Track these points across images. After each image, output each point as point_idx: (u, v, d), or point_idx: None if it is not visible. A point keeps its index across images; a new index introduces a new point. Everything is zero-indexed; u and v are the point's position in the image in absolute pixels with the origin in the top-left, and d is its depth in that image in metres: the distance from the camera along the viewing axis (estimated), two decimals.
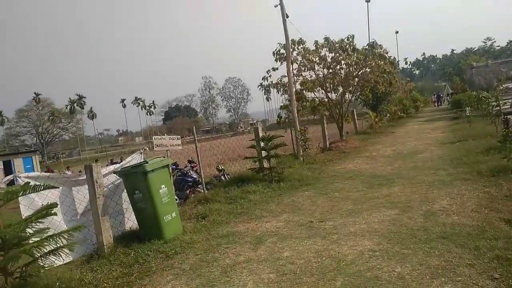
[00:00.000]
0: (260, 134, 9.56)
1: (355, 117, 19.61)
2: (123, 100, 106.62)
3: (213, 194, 7.92)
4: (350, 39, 14.37)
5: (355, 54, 14.25)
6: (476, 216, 4.80)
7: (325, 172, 9.71)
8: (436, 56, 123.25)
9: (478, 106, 17.98)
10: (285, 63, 13.62)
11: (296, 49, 14.86)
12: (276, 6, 12.16)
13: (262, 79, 15.12)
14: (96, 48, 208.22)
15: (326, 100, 15.62)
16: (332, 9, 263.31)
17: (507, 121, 9.86)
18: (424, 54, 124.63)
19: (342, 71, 14.97)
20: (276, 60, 14.73)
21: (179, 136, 7.94)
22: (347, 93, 16.01)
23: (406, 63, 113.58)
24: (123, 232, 5.82)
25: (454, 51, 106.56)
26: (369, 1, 34.05)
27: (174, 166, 11.15)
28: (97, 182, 5.09)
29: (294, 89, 12.79)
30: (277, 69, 14.74)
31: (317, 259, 4.17)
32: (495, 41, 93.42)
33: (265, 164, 9.11)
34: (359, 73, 15.04)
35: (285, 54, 13.54)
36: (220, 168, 11.45)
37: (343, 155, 12.36)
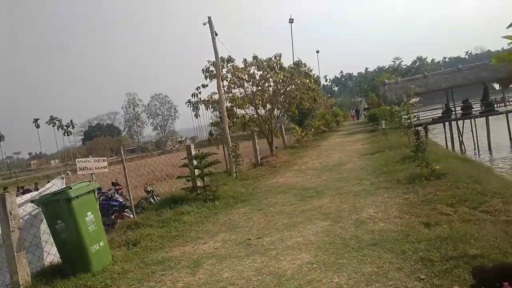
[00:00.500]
0: (193, 152, 9.39)
1: (283, 132, 20.29)
2: (36, 120, 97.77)
3: (143, 218, 7.52)
4: (278, 58, 14.95)
5: (282, 72, 14.84)
6: (399, 222, 5.20)
7: (259, 188, 9.82)
8: (352, 74, 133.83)
9: (391, 119, 19.81)
10: (214, 80, 13.68)
11: (225, 66, 15.01)
12: (205, 24, 12.21)
13: (192, 95, 14.99)
14: (4, 63, 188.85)
15: (256, 116, 15.95)
16: (259, 29, 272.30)
17: (417, 133, 10.96)
18: (342, 72, 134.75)
19: (270, 88, 15.47)
20: (206, 77, 14.73)
21: (105, 158, 7.47)
22: (275, 109, 16.53)
23: (326, 80, 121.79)
24: (42, 268, 5.22)
25: (368, 69, 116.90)
26: (292, 22, 36.02)
27: (100, 185, 10.46)
28: (11, 213, 4.52)
29: (225, 106, 12.86)
30: (207, 86, 14.75)
31: (258, 277, 4.15)
32: (402, 61, 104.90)
33: (199, 183, 8.94)
34: (286, 90, 15.67)
35: (214, 72, 13.60)
36: (149, 190, 10.99)
37: (274, 170, 12.64)
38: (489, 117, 23.68)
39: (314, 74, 16.13)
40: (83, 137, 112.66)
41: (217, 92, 13.35)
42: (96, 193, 5.72)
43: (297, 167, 12.67)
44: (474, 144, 24.00)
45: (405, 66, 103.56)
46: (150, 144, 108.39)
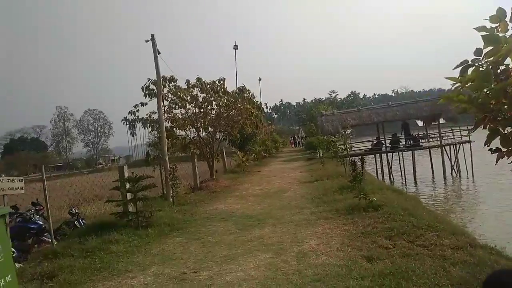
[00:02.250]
0: (126, 174, 8.70)
1: (224, 156, 19.99)
2: None
3: (64, 246, 6.67)
4: (222, 82, 14.81)
5: (226, 96, 14.70)
6: (341, 255, 5.10)
7: (197, 214, 9.31)
8: (291, 103, 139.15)
9: (328, 149, 20.54)
10: (154, 99, 13.12)
11: (167, 86, 14.53)
12: (147, 41, 11.74)
13: (129, 113, 14.19)
14: None
15: (197, 138, 15.50)
16: (204, 52, 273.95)
17: (354, 164, 11.32)
18: (281, 100, 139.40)
19: (213, 111, 15.20)
20: (145, 95, 14.10)
21: (22, 178, 6.55)
22: (217, 133, 16.25)
23: (266, 107, 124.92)
24: None
25: (306, 100, 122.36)
26: (237, 49, 36.65)
27: (12, 210, 9.21)
28: None
29: (164, 126, 12.29)
30: (146, 104, 14.09)
31: None
32: (338, 94, 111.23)
33: (131, 208, 8.23)
34: (229, 114, 15.52)
35: (155, 90, 13.05)
36: (74, 212, 9.92)
37: (214, 195, 12.21)
38: (415, 152, 25.65)
39: (257, 101, 16.27)
40: (2, 150, 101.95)
41: (156, 111, 12.78)
42: (7, 218, 4.90)
43: (237, 193, 12.38)
44: (401, 176, 25.72)
45: (340, 99, 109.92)
46: (79, 161, 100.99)
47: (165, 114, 14.09)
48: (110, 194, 10.04)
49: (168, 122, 14.88)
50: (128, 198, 8.31)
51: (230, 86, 15.90)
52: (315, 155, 24.48)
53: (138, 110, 14.09)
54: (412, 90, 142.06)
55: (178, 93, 14.16)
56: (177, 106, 14.56)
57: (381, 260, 4.68)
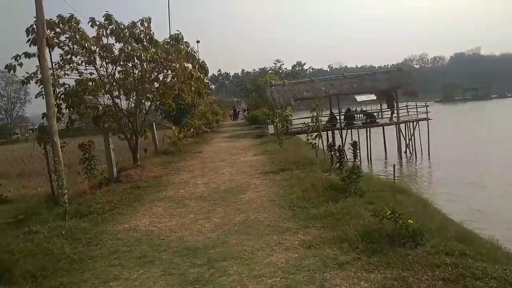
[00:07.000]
0: None
1: (155, 131, 15.70)
2: None
3: None
4: (146, 24, 10.20)
5: (153, 49, 10.21)
6: None
7: (101, 242, 5.35)
8: (229, 73, 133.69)
9: (281, 124, 17.37)
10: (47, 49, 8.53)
11: (66, 31, 9.86)
12: None
13: (6, 68, 9.38)
14: None
15: (113, 108, 11.05)
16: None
17: (340, 151, 8.14)
18: (220, 70, 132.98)
19: (136, 71, 10.74)
20: (30, 42, 9.37)
21: None
22: (143, 101, 11.86)
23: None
24: None
25: (245, 71, 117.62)
26: None
27: None
28: None
29: (50, 87, 7.88)
30: (34, 55, 9.36)
31: None
32: (283, 64, 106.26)
33: None
34: (159, 76, 11.20)
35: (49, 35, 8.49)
36: None
37: (136, 194, 8.17)
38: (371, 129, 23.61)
39: (200, 59, 11.94)
40: None
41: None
42: None
43: (172, 191, 8.43)
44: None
45: (285, 70, 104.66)
46: None
47: (60, 71, 9.58)
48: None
49: (68, 81, 10.33)
50: None
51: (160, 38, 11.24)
52: (265, 131, 21.20)
53: (20, 64, 9.32)
54: (346, 66, 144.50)
55: (82, 41, 9.54)
56: (82, 61, 9.96)
57: None
